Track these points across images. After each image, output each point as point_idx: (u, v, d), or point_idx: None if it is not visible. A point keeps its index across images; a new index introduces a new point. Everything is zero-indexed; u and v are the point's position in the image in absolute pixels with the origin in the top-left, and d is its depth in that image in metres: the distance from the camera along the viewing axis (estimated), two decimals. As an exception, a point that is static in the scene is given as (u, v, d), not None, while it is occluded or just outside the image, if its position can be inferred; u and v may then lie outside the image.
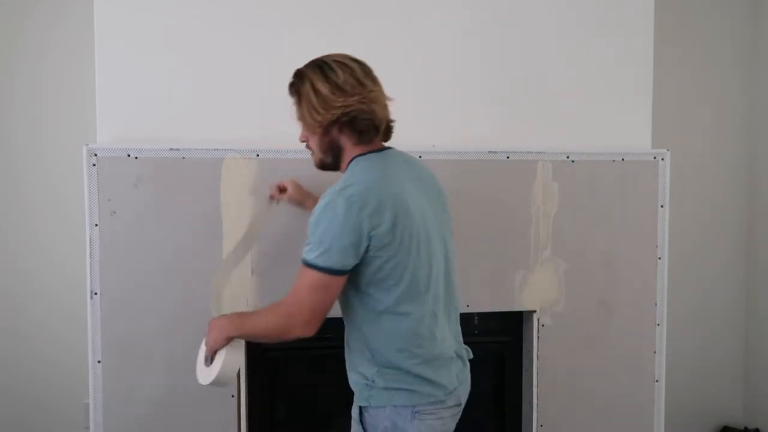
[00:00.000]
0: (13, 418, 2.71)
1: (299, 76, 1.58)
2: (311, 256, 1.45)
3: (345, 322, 1.64)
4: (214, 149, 2.13)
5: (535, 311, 2.35)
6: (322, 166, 1.64)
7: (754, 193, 3.17)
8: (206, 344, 1.67)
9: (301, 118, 1.59)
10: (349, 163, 1.58)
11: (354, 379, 1.63)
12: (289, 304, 1.50)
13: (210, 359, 1.68)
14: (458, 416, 1.66)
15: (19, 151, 2.68)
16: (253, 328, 1.59)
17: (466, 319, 2.38)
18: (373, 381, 1.57)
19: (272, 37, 2.23)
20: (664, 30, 2.73)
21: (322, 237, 1.44)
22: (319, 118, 1.54)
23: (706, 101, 3.14)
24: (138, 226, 2.11)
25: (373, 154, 1.57)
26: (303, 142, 1.65)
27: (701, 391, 3.16)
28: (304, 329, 1.49)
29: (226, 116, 2.22)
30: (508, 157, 2.30)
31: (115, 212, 2.10)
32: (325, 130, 1.56)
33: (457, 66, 2.34)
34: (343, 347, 1.66)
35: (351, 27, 2.27)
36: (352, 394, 1.64)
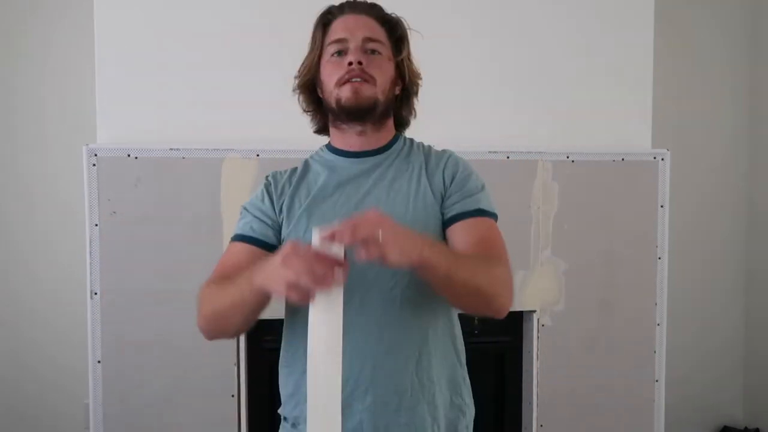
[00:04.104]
0: (14, 418, 2.71)
1: (398, 22, 1.30)
2: (491, 206, 1.23)
3: (419, 325, 1.21)
4: (214, 149, 2.13)
5: (535, 311, 2.35)
6: (374, 105, 1.23)
7: (753, 193, 3.17)
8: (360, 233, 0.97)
9: (393, 57, 1.27)
10: (397, 134, 1.35)
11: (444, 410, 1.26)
12: (505, 261, 1.16)
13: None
14: None
15: (20, 151, 2.68)
16: (471, 272, 1.08)
17: (467, 319, 2.39)
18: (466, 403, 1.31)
19: (273, 37, 2.23)
20: (664, 30, 2.73)
21: (485, 185, 1.25)
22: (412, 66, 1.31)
23: (706, 101, 3.13)
24: (138, 226, 2.11)
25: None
26: (359, 63, 1.21)
27: (701, 391, 3.16)
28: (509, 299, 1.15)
29: (226, 116, 2.22)
30: (508, 157, 2.30)
31: (115, 212, 2.10)
32: (396, 80, 1.29)
33: (456, 66, 2.34)
34: None
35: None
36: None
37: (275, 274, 0.98)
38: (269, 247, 1.23)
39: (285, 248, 0.99)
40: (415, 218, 1.20)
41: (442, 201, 1.23)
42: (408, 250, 0.99)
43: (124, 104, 2.18)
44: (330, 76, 1.23)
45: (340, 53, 1.22)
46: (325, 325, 1.01)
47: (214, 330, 1.20)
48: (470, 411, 1.31)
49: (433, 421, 1.21)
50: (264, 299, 1.08)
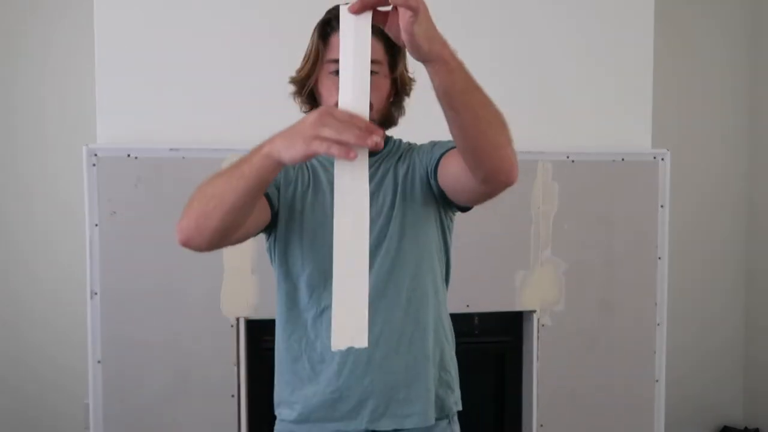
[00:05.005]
0: (14, 418, 2.71)
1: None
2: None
3: (411, 306, 1.28)
4: (214, 149, 2.12)
5: (535, 311, 2.35)
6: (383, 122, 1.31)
7: (753, 193, 3.17)
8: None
9: (394, 65, 1.31)
10: (389, 138, 1.39)
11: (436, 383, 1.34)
12: None
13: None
14: None
15: (20, 151, 2.68)
16: (489, 101, 1.12)
17: (466, 319, 2.40)
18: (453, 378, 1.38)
19: (273, 37, 2.23)
20: (664, 30, 2.72)
21: None
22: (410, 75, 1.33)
23: (706, 101, 3.13)
24: (138, 226, 2.11)
25: None
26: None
27: (701, 391, 3.16)
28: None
29: (226, 116, 2.22)
30: (508, 157, 2.30)
31: (115, 212, 2.10)
32: (391, 90, 1.32)
33: (457, 66, 2.34)
34: None
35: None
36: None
37: (303, 133, 0.94)
38: (267, 198, 1.25)
39: (316, 111, 0.96)
40: (401, 207, 1.27)
41: (422, 173, 1.28)
42: (435, 35, 1.03)
43: (124, 104, 2.18)
44: (329, 92, 1.25)
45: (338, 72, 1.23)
46: (352, 185, 0.99)
47: (197, 221, 1.14)
48: (458, 387, 1.38)
49: (427, 396, 1.28)
50: (266, 176, 1.04)
